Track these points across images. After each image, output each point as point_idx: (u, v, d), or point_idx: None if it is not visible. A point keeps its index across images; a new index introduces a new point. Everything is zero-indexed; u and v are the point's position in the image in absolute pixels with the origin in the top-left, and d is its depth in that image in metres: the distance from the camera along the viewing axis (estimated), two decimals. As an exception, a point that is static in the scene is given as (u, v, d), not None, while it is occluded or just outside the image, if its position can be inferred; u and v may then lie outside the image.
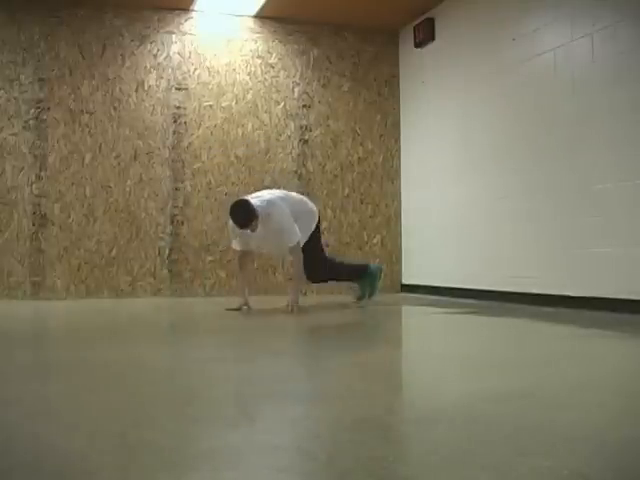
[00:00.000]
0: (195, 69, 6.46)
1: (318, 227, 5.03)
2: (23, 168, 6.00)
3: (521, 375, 2.27)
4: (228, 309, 4.70)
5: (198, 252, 6.37)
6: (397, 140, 7.02)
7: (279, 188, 5.44)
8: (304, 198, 5.08)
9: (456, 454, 1.32)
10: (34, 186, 6.01)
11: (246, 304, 4.72)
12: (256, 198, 4.57)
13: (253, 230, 4.46)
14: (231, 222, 4.53)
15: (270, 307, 5.26)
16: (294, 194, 5.06)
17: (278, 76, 6.69)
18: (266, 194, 4.71)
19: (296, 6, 6.38)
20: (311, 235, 4.88)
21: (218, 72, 6.52)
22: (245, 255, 4.84)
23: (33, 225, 6.00)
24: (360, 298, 5.40)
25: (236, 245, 4.74)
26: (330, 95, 6.83)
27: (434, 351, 2.93)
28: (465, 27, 5.95)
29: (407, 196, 6.93)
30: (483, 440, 1.42)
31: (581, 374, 2.28)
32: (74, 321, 4.42)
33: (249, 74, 6.61)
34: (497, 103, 5.54)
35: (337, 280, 5.38)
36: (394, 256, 6.97)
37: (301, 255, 4.65)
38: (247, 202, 4.43)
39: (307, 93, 6.75)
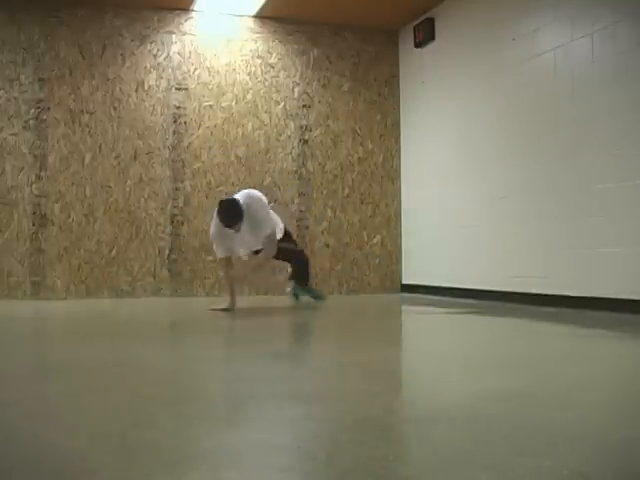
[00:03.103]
0: (195, 69, 6.46)
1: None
2: (23, 168, 6.00)
3: (521, 375, 2.27)
4: (213, 309, 4.68)
5: (198, 252, 6.37)
6: (397, 140, 7.02)
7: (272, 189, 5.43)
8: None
9: (456, 454, 1.32)
10: (34, 186, 6.01)
11: (232, 306, 4.69)
12: (237, 194, 4.70)
13: (237, 230, 4.47)
14: (214, 227, 4.59)
15: (270, 307, 5.27)
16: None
17: (278, 76, 6.69)
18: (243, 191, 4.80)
19: (296, 6, 6.38)
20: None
21: (218, 72, 6.52)
22: (228, 260, 4.79)
23: (33, 225, 6.00)
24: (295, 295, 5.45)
25: (221, 253, 4.71)
26: (330, 95, 6.83)
27: (434, 351, 2.93)
28: (465, 27, 5.95)
29: (407, 196, 6.93)
30: (483, 440, 1.42)
31: (581, 374, 2.28)
32: (74, 321, 4.42)
33: (249, 74, 6.61)
34: (497, 103, 5.54)
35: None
36: (394, 256, 6.96)
37: (274, 244, 4.70)
38: (237, 201, 4.47)
39: (307, 93, 6.75)
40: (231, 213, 4.41)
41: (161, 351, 2.96)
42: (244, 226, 4.51)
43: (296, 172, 6.68)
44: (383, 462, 1.27)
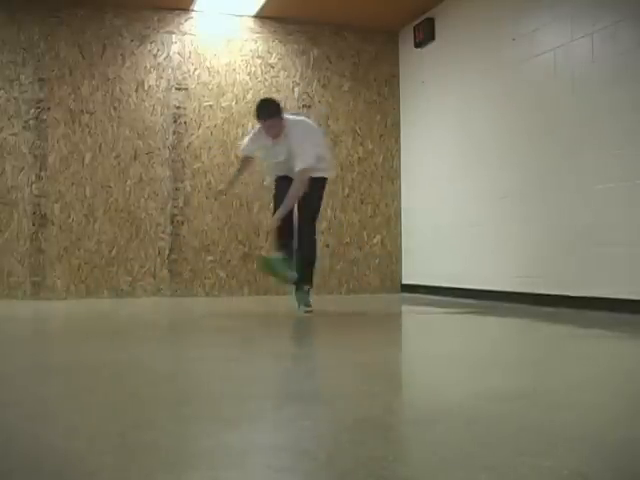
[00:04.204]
0: (195, 69, 6.46)
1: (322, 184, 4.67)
2: (23, 168, 6.00)
3: (521, 375, 2.27)
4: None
5: (198, 252, 6.37)
6: (397, 140, 7.02)
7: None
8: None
9: (456, 454, 1.32)
10: (34, 186, 6.01)
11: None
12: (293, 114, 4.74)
13: (268, 133, 4.48)
14: (253, 127, 4.82)
15: (269, 307, 5.27)
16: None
17: (278, 76, 6.69)
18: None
19: (296, 6, 6.38)
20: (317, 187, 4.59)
21: (218, 72, 6.52)
22: (247, 161, 4.87)
23: (33, 225, 6.00)
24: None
25: (243, 150, 4.84)
26: (330, 95, 6.82)
27: (434, 351, 2.93)
28: (465, 27, 5.95)
29: (407, 196, 6.93)
30: (483, 440, 1.42)
31: (580, 374, 2.28)
32: (74, 321, 4.42)
33: (249, 74, 6.61)
34: (497, 103, 5.54)
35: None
36: (394, 256, 6.96)
37: (305, 182, 4.41)
38: (276, 101, 4.56)
39: (307, 93, 6.75)
40: (266, 107, 4.45)
41: (161, 351, 2.96)
42: (283, 142, 4.45)
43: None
44: (383, 462, 1.27)
